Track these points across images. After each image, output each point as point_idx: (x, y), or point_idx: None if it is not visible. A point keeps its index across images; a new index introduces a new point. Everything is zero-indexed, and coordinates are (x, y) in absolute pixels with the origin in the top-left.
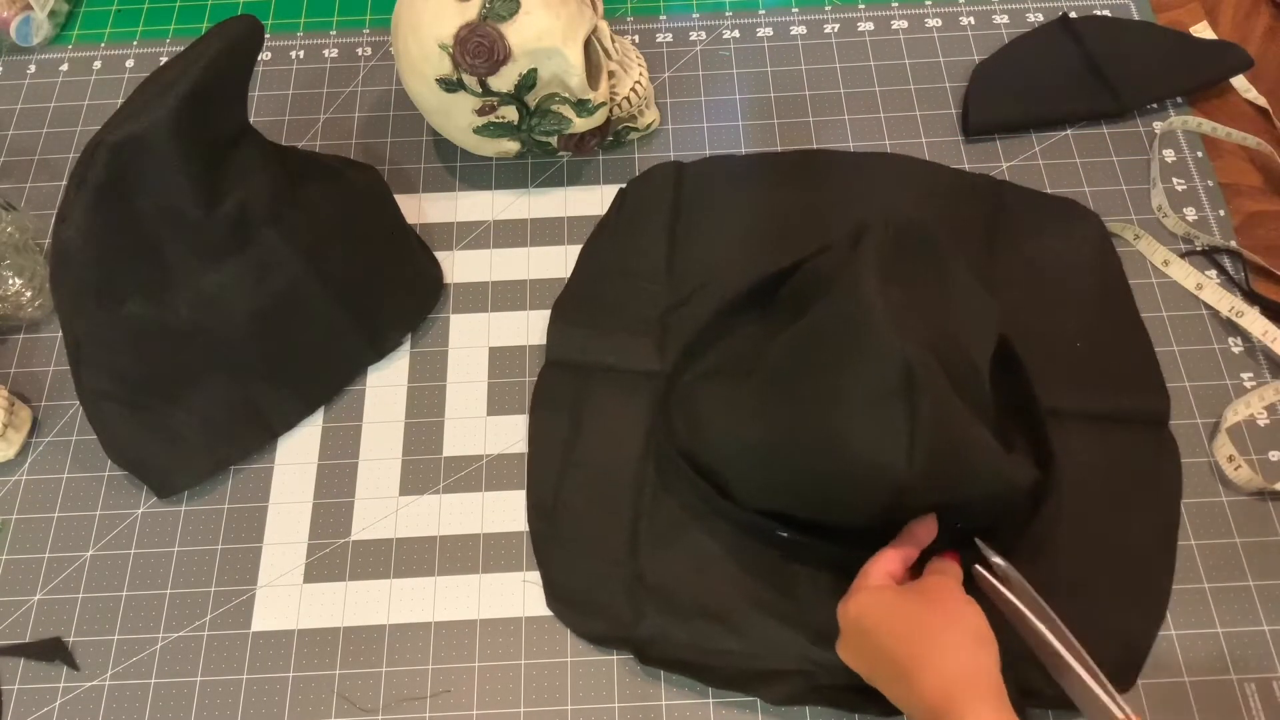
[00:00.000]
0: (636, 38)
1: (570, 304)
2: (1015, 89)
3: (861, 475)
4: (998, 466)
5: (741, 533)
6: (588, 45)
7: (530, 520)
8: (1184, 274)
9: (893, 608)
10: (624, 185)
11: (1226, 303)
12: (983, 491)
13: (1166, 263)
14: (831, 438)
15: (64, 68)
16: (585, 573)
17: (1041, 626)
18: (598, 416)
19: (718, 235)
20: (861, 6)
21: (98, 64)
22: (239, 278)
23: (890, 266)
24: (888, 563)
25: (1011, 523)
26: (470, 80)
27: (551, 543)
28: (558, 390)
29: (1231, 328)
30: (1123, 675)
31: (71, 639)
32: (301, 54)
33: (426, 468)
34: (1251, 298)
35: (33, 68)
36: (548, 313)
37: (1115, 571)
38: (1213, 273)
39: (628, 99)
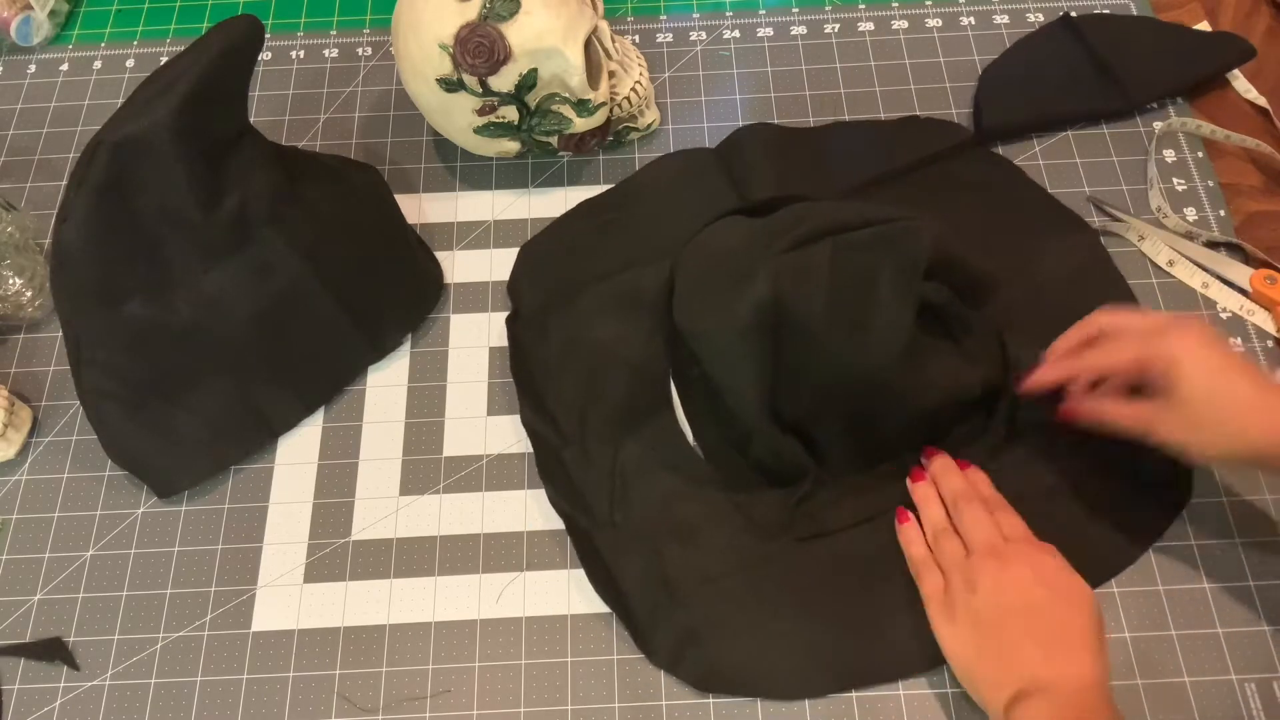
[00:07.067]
0: (636, 38)
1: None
2: (1025, 92)
3: (855, 354)
4: (956, 378)
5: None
6: (588, 45)
7: (530, 430)
8: (1189, 274)
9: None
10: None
11: (1236, 301)
12: (938, 399)
13: (1171, 263)
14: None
15: (64, 68)
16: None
17: None
18: (584, 326)
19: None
20: (862, 6)
21: (98, 64)
22: (239, 278)
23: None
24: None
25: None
26: (470, 80)
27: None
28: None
29: (1231, 328)
30: None
31: (71, 639)
32: (301, 54)
33: (426, 468)
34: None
35: (33, 68)
36: None
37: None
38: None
39: (628, 99)
